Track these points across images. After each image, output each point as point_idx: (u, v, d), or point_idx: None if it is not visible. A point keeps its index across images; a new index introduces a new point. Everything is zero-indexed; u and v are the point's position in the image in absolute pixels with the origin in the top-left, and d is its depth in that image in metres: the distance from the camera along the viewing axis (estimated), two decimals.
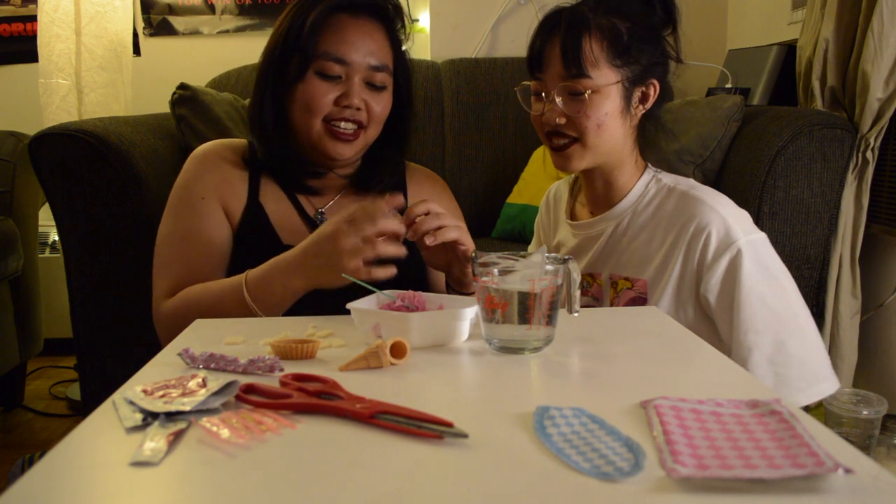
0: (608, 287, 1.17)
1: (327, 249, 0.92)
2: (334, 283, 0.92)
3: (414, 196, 1.24)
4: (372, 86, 1.11)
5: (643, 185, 1.16)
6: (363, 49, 1.09)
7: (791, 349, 1.04)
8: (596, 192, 1.19)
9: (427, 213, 0.94)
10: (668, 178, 1.16)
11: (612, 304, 1.15)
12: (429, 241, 0.92)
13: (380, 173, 1.20)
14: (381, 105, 1.12)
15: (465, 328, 0.83)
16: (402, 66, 1.16)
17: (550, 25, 1.08)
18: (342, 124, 1.10)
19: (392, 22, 1.15)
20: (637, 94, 1.10)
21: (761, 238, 1.07)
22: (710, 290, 1.06)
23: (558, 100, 1.07)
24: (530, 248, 1.33)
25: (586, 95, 1.05)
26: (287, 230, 1.14)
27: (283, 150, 1.15)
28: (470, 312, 0.82)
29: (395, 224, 0.91)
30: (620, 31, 1.06)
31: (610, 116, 1.07)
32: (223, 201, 1.15)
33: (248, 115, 1.18)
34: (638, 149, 1.16)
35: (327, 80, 1.08)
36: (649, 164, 1.18)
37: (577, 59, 1.04)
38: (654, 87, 1.10)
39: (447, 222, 0.94)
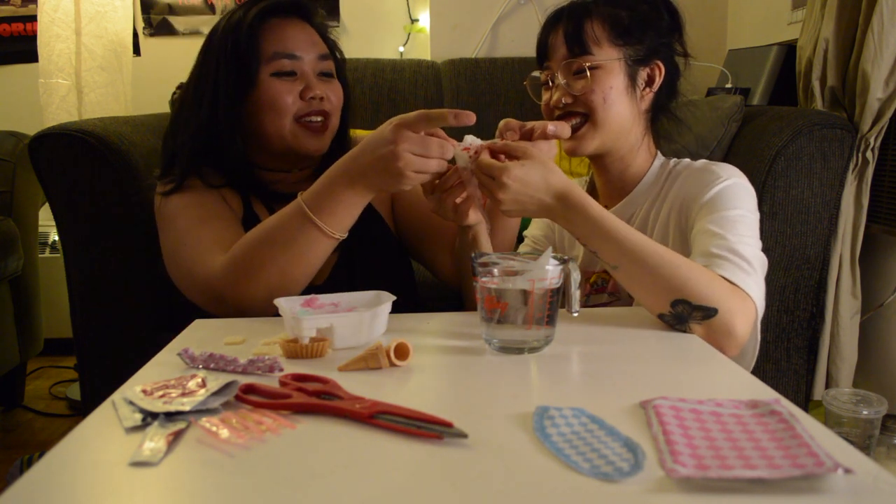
0: None
1: (391, 168, 0.90)
2: (399, 189, 0.94)
3: None
4: (324, 75, 1.16)
5: (654, 173, 1.16)
6: (306, 42, 1.14)
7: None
8: (611, 180, 1.18)
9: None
10: (674, 162, 1.17)
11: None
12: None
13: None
14: (336, 93, 1.17)
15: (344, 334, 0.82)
16: (336, 57, 1.21)
17: (555, 18, 1.13)
18: (312, 118, 1.13)
19: (314, 17, 1.20)
20: (642, 74, 1.12)
21: (744, 184, 1.06)
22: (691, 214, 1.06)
23: (563, 82, 1.10)
24: (522, 247, 1.31)
25: (588, 71, 1.07)
26: None
27: (246, 164, 1.16)
28: (354, 317, 0.82)
29: (445, 162, 0.92)
30: (622, 16, 1.09)
31: (615, 91, 1.08)
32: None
33: (187, 141, 1.14)
34: (651, 139, 1.17)
35: (284, 77, 1.12)
36: (659, 152, 1.19)
37: (580, 38, 1.08)
38: (660, 68, 1.12)
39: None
